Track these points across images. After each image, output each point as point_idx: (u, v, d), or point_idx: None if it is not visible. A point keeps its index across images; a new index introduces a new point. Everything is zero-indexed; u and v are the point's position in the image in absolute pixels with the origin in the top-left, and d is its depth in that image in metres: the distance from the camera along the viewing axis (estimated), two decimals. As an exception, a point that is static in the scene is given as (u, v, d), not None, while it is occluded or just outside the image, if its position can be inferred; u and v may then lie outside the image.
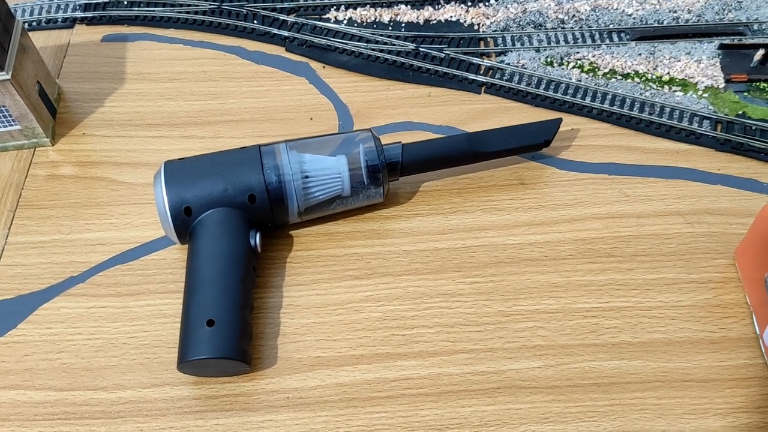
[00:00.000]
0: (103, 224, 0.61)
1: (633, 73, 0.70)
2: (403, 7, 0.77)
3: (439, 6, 0.77)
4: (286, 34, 0.75)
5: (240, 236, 0.54)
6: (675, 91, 0.69)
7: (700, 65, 0.70)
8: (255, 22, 0.76)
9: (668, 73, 0.70)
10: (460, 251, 0.59)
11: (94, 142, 0.67)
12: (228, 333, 0.50)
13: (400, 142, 0.60)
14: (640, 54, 0.71)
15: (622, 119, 0.67)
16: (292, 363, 0.53)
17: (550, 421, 0.50)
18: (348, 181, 0.57)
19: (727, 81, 0.69)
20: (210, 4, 0.77)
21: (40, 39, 0.74)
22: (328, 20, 0.76)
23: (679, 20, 0.74)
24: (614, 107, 0.67)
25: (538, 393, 0.51)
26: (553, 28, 0.74)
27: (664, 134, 0.66)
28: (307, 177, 0.56)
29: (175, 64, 0.73)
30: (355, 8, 0.77)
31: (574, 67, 0.71)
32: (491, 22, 0.75)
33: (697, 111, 0.67)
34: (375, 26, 0.76)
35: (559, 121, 0.63)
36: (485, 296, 0.56)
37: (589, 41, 0.73)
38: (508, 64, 0.71)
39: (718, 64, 0.70)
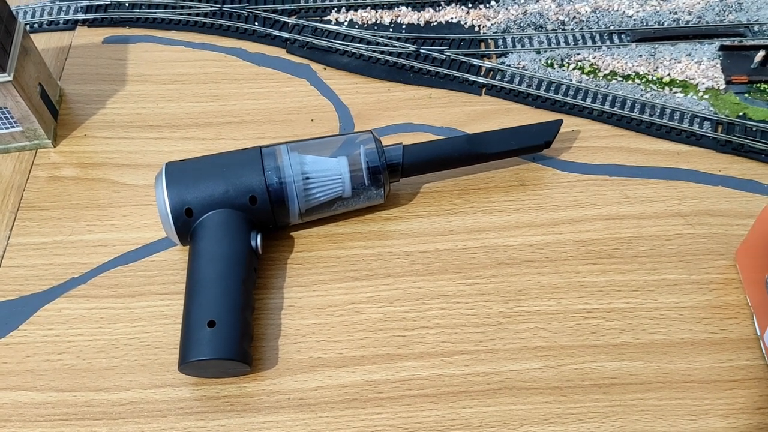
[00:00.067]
0: (105, 225, 0.61)
1: (633, 74, 0.70)
2: (403, 8, 0.77)
3: (440, 8, 0.77)
4: (287, 36, 0.75)
5: (241, 237, 0.54)
6: (676, 92, 0.69)
7: (700, 67, 0.70)
8: (256, 24, 0.76)
9: (669, 74, 0.70)
10: (461, 252, 0.59)
11: (96, 144, 0.67)
12: (229, 334, 0.50)
13: (401, 143, 0.60)
14: (640, 55, 0.71)
15: (623, 120, 0.67)
16: (293, 364, 0.53)
17: (550, 422, 0.50)
18: (349, 183, 0.57)
19: (728, 82, 0.69)
20: (211, 6, 0.77)
21: (41, 41, 0.75)
22: (329, 22, 0.76)
23: (680, 22, 0.74)
24: (615, 109, 0.68)
25: (538, 394, 0.51)
26: (553, 29, 0.74)
27: (665, 136, 0.66)
28: (308, 178, 0.56)
29: (176, 66, 0.73)
30: (355, 10, 0.77)
31: (574, 69, 0.71)
32: (492, 24, 0.75)
33: (697, 112, 0.67)
34: (376, 28, 0.76)
35: (559, 122, 0.63)
36: (486, 297, 0.56)
37: (589, 43, 0.73)
38: (509, 65, 0.72)
39: (718, 65, 0.70)
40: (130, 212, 0.62)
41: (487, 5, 0.77)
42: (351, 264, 0.59)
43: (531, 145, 0.62)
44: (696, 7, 0.75)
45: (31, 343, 0.55)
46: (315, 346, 0.54)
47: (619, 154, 0.65)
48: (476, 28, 0.75)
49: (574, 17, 0.75)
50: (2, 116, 0.63)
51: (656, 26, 0.74)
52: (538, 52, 0.72)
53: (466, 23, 0.76)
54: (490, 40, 0.74)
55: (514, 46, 0.73)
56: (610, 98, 0.68)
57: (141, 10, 0.78)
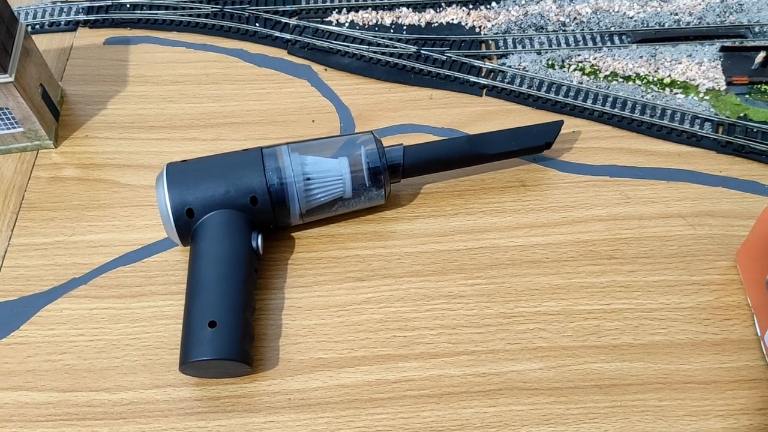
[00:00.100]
0: (106, 226, 0.62)
1: (634, 75, 0.70)
2: (404, 9, 0.77)
3: (441, 9, 0.77)
4: (288, 37, 0.75)
5: (242, 238, 0.54)
6: (676, 93, 0.69)
7: (701, 68, 0.70)
8: (257, 25, 0.76)
9: (669, 75, 0.70)
10: (462, 253, 0.59)
11: (97, 145, 0.67)
12: (230, 334, 0.50)
13: (402, 144, 0.60)
14: (641, 56, 0.71)
15: (624, 121, 0.67)
16: (294, 364, 0.53)
17: (551, 423, 0.50)
18: (349, 183, 0.57)
19: (729, 83, 0.69)
20: (212, 8, 0.77)
21: (43, 42, 0.75)
22: (329, 23, 0.77)
23: (680, 23, 0.74)
24: (615, 109, 0.68)
25: (539, 394, 0.51)
26: (554, 30, 0.75)
27: (666, 136, 0.66)
28: (308, 179, 0.56)
29: (177, 67, 0.73)
30: (356, 11, 0.77)
31: (575, 70, 0.71)
32: (492, 25, 0.75)
33: (698, 113, 0.67)
34: (376, 29, 0.76)
35: (560, 123, 0.63)
36: (486, 298, 0.56)
37: (590, 44, 0.73)
38: (510, 66, 0.72)
39: (719, 66, 0.70)
40: (131, 213, 0.62)
41: (488, 6, 0.77)
42: (352, 264, 0.59)
43: (532, 146, 0.62)
44: (697, 8, 0.75)
45: (32, 344, 0.55)
46: (316, 346, 0.54)
47: (619, 155, 0.65)
48: (477, 29, 0.75)
49: (575, 18, 0.75)
50: (4, 117, 0.63)
51: (657, 27, 0.74)
52: (539, 53, 0.73)
53: (466, 24, 0.76)
54: (490, 41, 0.74)
55: (514, 47, 0.73)
56: (610, 99, 0.68)
57: (142, 12, 0.78)
